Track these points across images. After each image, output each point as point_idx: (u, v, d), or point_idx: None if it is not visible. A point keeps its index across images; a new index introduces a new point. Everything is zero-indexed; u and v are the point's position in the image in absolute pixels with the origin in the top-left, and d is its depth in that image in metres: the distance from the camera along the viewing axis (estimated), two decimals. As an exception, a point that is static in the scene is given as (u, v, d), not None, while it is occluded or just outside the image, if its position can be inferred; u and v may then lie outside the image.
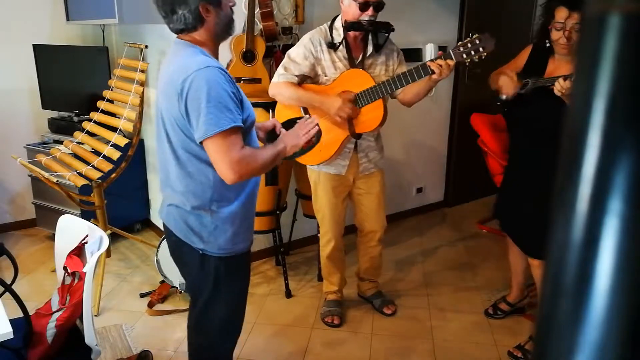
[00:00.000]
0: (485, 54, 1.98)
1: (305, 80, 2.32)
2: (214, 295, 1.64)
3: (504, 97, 2.21)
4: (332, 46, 2.28)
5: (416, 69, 2.08)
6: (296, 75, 2.28)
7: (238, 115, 1.45)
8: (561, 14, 2.05)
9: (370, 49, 2.32)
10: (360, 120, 2.25)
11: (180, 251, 1.66)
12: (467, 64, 2.04)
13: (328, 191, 2.47)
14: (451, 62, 2.01)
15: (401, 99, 2.35)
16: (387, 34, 2.31)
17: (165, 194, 1.65)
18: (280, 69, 2.31)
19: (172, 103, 1.46)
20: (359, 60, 2.32)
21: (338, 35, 2.29)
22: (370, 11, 2.18)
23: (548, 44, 2.17)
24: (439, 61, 2.02)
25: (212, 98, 1.40)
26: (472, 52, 1.98)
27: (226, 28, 1.55)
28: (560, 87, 1.95)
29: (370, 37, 2.31)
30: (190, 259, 1.63)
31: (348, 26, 2.21)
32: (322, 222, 2.58)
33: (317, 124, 1.71)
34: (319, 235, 2.64)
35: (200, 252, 1.59)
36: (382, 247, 2.73)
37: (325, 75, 2.30)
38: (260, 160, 1.51)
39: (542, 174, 2.06)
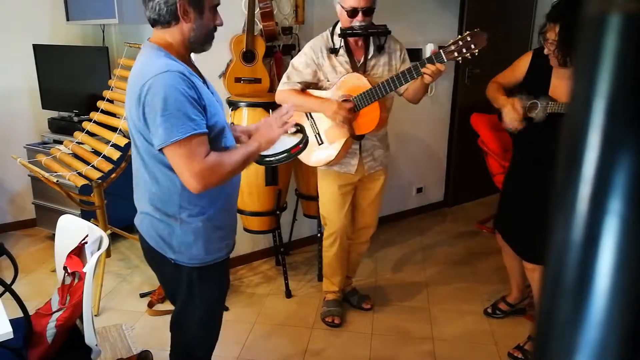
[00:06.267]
0: (476, 50, 1.98)
1: (310, 86, 2.37)
2: (188, 301, 1.62)
3: (510, 129, 2.20)
4: (333, 51, 2.32)
5: (409, 71, 2.10)
6: (298, 83, 2.34)
7: (201, 120, 1.38)
8: (551, 33, 2.04)
9: (372, 50, 2.33)
10: (358, 123, 2.29)
11: (153, 258, 1.62)
12: (460, 61, 2.07)
13: (334, 190, 2.49)
14: (441, 67, 2.04)
15: (405, 96, 2.38)
16: (384, 36, 2.32)
17: (136, 200, 1.61)
18: (284, 78, 2.38)
19: (133, 107, 1.41)
20: (361, 62, 2.34)
21: (339, 40, 2.32)
22: (359, 17, 2.20)
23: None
24: (429, 66, 2.04)
25: (169, 105, 1.33)
26: (464, 50, 2.00)
27: (202, 39, 1.49)
28: None
29: (371, 39, 2.33)
30: (163, 266, 1.60)
31: (341, 33, 2.26)
32: (328, 223, 2.58)
33: (291, 114, 1.63)
34: (319, 235, 2.63)
35: (173, 261, 1.55)
36: (368, 247, 2.79)
37: (328, 80, 2.34)
38: (229, 166, 1.42)
39: (542, 184, 2.05)
